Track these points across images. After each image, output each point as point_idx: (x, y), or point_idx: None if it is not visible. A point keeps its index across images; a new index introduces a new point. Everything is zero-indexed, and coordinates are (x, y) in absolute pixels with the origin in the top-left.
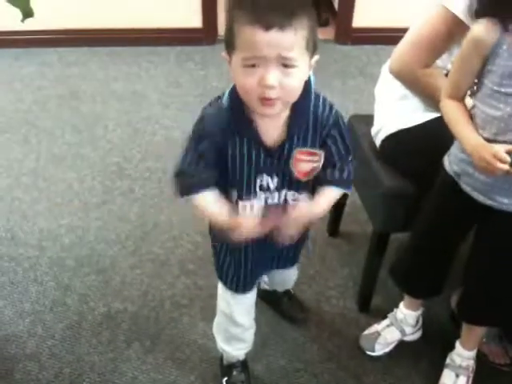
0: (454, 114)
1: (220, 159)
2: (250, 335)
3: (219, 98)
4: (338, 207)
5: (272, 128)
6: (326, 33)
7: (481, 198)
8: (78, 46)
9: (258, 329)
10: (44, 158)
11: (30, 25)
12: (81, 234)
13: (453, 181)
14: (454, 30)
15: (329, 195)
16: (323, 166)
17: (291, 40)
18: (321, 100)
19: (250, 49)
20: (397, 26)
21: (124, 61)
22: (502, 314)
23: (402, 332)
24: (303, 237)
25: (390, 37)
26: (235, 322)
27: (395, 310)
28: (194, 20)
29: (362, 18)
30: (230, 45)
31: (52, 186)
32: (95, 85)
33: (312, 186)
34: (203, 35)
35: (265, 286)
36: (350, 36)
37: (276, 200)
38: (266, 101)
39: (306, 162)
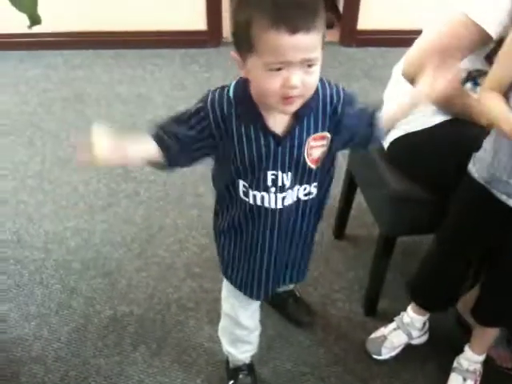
0: (492, 102)
1: (211, 153)
2: (255, 337)
3: (223, 88)
4: (344, 210)
5: (280, 116)
6: (331, 35)
7: None
8: (83, 49)
9: (264, 332)
10: (49, 161)
11: (35, 28)
12: (86, 237)
13: (482, 189)
14: (477, 42)
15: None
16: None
17: (315, 41)
18: (325, 82)
19: (275, 54)
20: (402, 28)
21: (129, 63)
22: None
23: (409, 335)
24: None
25: (394, 39)
26: (240, 324)
27: (402, 313)
28: (199, 22)
29: (366, 20)
30: (244, 46)
31: (57, 189)
32: (100, 87)
33: (323, 176)
34: (208, 38)
35: None
36: (355, 38)
37: (290, 200)
38: (288, 99)
39: (317, 148)
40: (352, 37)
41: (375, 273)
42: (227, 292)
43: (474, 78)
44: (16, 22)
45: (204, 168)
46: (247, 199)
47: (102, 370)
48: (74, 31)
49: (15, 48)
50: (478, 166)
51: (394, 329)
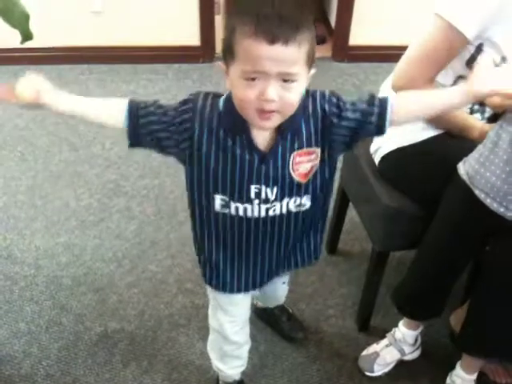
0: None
1: (181, 156)
2: (244, 352)
3: (216, 96)
4: (337, 225)
5: (265, 132)
6: (323, 50)
7: (494, 206)
8: (77, 64)
9: (256, 349)
10: (41, 176)
11: (29, 42)
12: (77, 253)
13: (467, 189)
14: (456, 45)
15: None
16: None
17: (294, 55)
18: (316, 96)
19: (251, 62)
20: (393, 43)
21: (122, 78)
22: (507, 347)
23: (401, 351)
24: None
25: (386, 54)
26: (228, 339)
27: (393, 329)
28: (193, 38)
29: (358, 36)
30: (228, 54)
31: (49, 204)
32: None
33: (315, 188)
34: (201, 53)
35: (259, 304)
36: (347, 53)
37: (278, 211)
38: (263, 113)
39: (305, 163)
40: (344, 52)
41: (368, 288)
42: (214, 307)
43: None
44: (9, 37)
45: None
46: (227, 210)
47: None
48: (67, 46)
49: (9, 63)
50: (467, 162)
51: (387, 345)
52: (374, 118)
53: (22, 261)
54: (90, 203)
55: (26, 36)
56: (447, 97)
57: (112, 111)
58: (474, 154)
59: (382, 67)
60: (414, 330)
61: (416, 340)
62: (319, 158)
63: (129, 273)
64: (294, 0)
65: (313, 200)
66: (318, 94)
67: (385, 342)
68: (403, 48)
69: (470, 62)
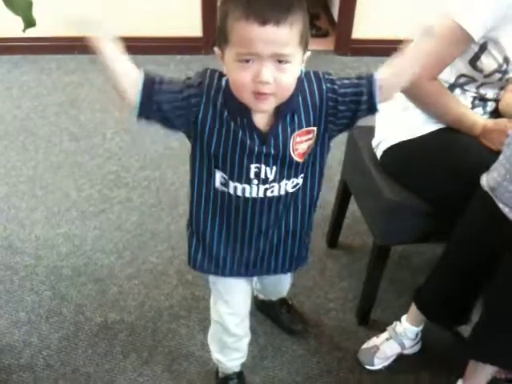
0: None
1: (185, 127)
2: (244, 345)
3: (221, 74)
4: (338, 218)
5: (263, 113)
6: (326, 43)
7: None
8: (78, 54)
9: (256, 340)
10: (42, 166)
11: (30, 32)
12: (78, 243)
13: (490, 201)
14: (462, 46)
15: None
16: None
17: (286, 36)
18: (304, 77)
19: (244, 44)
20: (396, 37)
21: None
22: None
23: (402, 345)
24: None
25: (389, 48)
26: (228, 331)
27: (394, 323)
28: (194, 29)
29: (361, 30)
30: (222, 39)
31: (49, 195)
32: (94, 93)
33: (308, 167)
34: (203, 44)
35: (259, 296)
36: (350, 47)
37: (277, 192)
38: (259, 95)
39: (303, 142)
40: (347, 45)
41: (369, 282)
42: (215, 298)
43: (462, 84)
44: (10, 27)
45: None
46: (226, 189)
47: (91, 379)
48: (68, 36)
49: (9, 52)
50: (489, 174)
51: (387, 339)
52: (365, 97)
53: (23, 251)
54: (91, 194)
55: (29, 23)
56: (416, 48)
57: (130, 75)
58: (496, 165)
59: (385, 61)
60: (417, 326)
61: (417, 335)
62: (315, 137)
63: (129, 264)
64: None
65: (304, 178)
66: (312, 74)
67: (385, 335)
68: (405, 42)
69: (474, 61)
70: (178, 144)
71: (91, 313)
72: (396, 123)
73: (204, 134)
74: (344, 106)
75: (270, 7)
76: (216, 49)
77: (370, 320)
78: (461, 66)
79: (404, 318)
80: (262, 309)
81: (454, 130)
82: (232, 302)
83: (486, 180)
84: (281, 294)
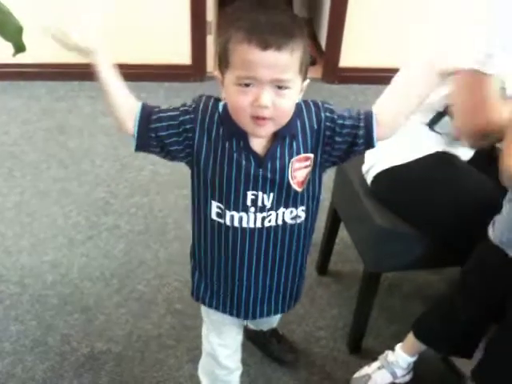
0: None
1: (182, 156)
2: (235, 377)
3: (217, 99)
4: (328, 245)
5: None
6: (314, 72)
7: None
8: (67, 80)
9: (246, 371)
10: (29, 193)
11: (19, 58)
12: (64, 271)
13: (499, 250)
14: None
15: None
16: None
17: (287, 61)
18: (302, 104)
19: (245, 67)
20: (383, 66)
21: None
22: None
23: (393, 374)
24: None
25: (376, 77)
26: (220, 363)
27: (386, 352)
28: (183, 57)
29: (348, 58)
30: (223, 63)
31: (36, 222)
32: (83, 119)
33: (308, 199)
34: (192, 72)
35: (250, 326)
36: (337, 75)
37: (274, 222)
38: (258, 120)
39: (301, 169)
40: (334, 74)
41: (360, 310)
42: (207, 329)
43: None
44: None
45: (186, 201)
46: (222, 220)
47: None
48: (57, 62)
49: None
50: (495, 228)
51: (379, 368)
52: (362, 132)
53: (8, 279)
54: (78, 221)
55: (19, 48)
56: (413, 76)
57: (130, 108)
58: (499, 218)
59: (371, 89)
60: (411, 356)
61: (409, 364)
62: (312, 165)
63: (117, 292)
64: (286, 10)
65: (307, 212)
66: (311, 102)
67: (377, 364)
68: (392, 70)
69: None
70: (167, 170)
71: (77, 343)
72: (387, 148)
73: (200, 160)
74: (341, 138)
75: (272, 32)
76: (216, 73)
77: (362, 348)
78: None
79: (399, 346)
80: (252, 339)
81: (448, 155)
82: (224, 334)
83: (492, 234)
84: (272, 325)
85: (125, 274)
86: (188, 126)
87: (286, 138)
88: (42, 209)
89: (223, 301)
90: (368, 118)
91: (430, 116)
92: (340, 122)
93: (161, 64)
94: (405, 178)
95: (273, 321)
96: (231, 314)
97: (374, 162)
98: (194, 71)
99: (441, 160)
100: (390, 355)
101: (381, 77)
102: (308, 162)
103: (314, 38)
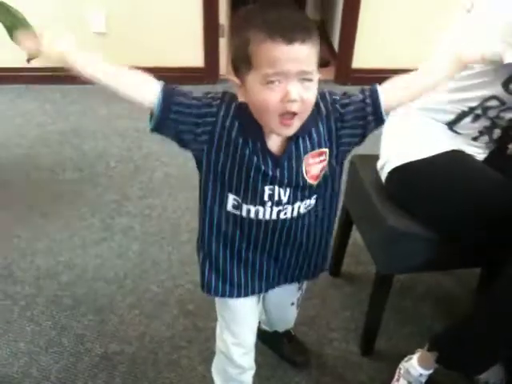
0: None
1: (197, 151)
2: (248, 377)
3: (234, 97)
4: (340, 246)
5: (276, 137)
6: (326, 73)
7: None
8: (82, 84)
9: (258, 372)
10: (44, 195)
11: (34, 62)
12: (79, 272)
13: None
14: None
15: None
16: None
17: (310, 54)
18: (318, 97)
19: (272, 64)
20: (396, 67)
21: None
22: None
23: None
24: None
25: (389, 78)
26: (233, 362)
27: (402, 366)
28: (197, 59)
29: (361, 59)
30: (243, 67)
31: (51, 223)
32: (97, 122)
33: (320, 188)
34: (205, 75)
35: (264, 327)
36: (350, 76)
37: (289, 214)
38: (285, 120)
39: (316, 164)
40: (347, 75)
41: (372, 312)
42: (221, 328)
43: (487, 108)
44: (14, 57)
45: (197, 202)
46: (238, 212)
47: None
48: None
49: (13, 82)
50: None
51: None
52: (370, 110)
53: (23, 280)
54: (92, 222)
55: (32, 54)
56: (438, 71)
57: (143, 88)
58: None
59: None
60: (429, 369)
61: (429, 374)
62: (328, 158)
63: (130, 293)
64: (297, 9)
65: (317, 198)
66: (318, 96)
67: (404, 382)
68: (405, 71)
69: (507, 84)
70: (180, 172)
71: (91, 343)
72: (402, 142)
73: (219, 155)
74: (350, 122)
75: (293, 28)
76: (234, 78)
77: (374, 350)
78: (494, 88)
79: (416, 360)
80: (264, 339)
81: (463, 153)
82: (238, 333)
83: None
84: (287, 326)
85: (138, 275)
86: (209, 119)
87: (300, 136)
88: (57, 211)
89: (237, 285)
90: (373, 93)
91: (452, 116)
92: (347, 109)
93: (174, 67)
94: (420, 174)
95: (288, 321)
96: (246, 294)
97: (390, 158)
98: (207, 74)
99: (457, 158)
100: (411, 370)
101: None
102: (323, 157)
103: (326, 39)
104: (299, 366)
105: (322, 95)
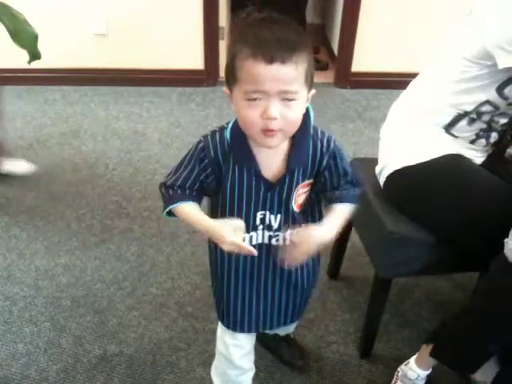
0: None
1: (214, 188)
2: (248, 378)
3: (222, 129)
4: (339, 250)
5: (272, 161)
6: (326, 76)
7: None
8: (81, 85)
9: (256, 375)
10: (43, 196)
11: (35, 63)
12: (78, 274)
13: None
14: None
15: (337, 213)
16: (323, 189)
17: (292, 74)
18: (319, 133)
19: (252, 82)
20: (395, 71)
21: (126, 101)
22: None
23: None
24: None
25: (387, 81)
26: (233, 363)
27: (403, 369)
28: (197, 62)
29: (360, 63)
30: (231, 79)
31: (50, 225)
32: (97, 124)
33: (307, 216)
34: (205, 77)
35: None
36: (349, 80)
37: (281, 241)
38: (267, 132)
39: (303, 194)
40: (346, 78)
41: (370, 315)
42: (222, 329)
43: (481, 113)
44: (15, 58)
45: None
46: None
47: None
48: (72, 68)
49: (13, 83)
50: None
51: None
52: (336, 194)
53: (22, 281)
54: (92, 224)
55: (34, 55)
56: None
57: None
58: None
59: (383, 93)
60: (427, 370)
61: (427, 375)
62: (310, 189)
63: (129, 295)
64: (291, 25)
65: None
66: (325, 137)
67: None
68: (403, 75)
69: (501, 89)
70: None
71: (90, 345)
72: (401, 146)
73: (215, 189)
74: (324, 183)
75: (276, 48)
76: (225, 89)
77: (372, 353)
78: (488, 93)
79: (413, 362)
80: (263, 342)
81: (461, 156)
82: (239, 335)
83: (510, 250)
84: (288, 330)
85: (137, 277)
86: (208, 169)
87: (296, 167)
88: (56, 212)
89: (241, 319)
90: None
91: (449, 119)
92: (333, 168)
93: (174, 69)
94: (418, 178)
95: (288, 327)
96: (249, 331)
97: (388, 163)
98: (207, 76)
99: (454, 161)
100: (409, 372)
101: (393, 81)
102: (308, 188)
103: (326, 42)
104: (298, 369)
105: (327, 140)
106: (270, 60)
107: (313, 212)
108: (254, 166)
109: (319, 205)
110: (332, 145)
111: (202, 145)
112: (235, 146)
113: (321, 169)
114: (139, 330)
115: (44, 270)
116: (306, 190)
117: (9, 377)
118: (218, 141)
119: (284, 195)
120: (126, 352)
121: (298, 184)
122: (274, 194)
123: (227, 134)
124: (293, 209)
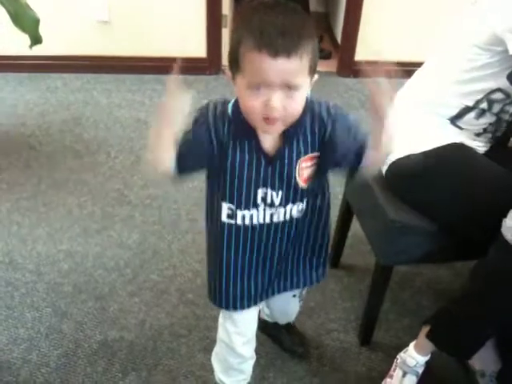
0: None
1: (210, 162)
2: (248, 366)
3: (225, 103)
4: (340, 238)
5: (270, 136)
6: (329, 65)
7: None
8: (83, 73)
9: (257, 361)
10: (45, 183)
11: (36, 50)
12: (79, 260)
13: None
14: None
15: None
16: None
17: (297, 67)
18: (315, 103)
19: (256, 74)
20: (398, 59)
21: (128, 88)
22: None
23: (417, 375)
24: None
25: (391, 70)
26: (234, 351)
27: (402, 356)
28: (199, 50)
29: (364, 52)
30: (234, 66)
31: (52, 211)
32: (99, 111)
33: (312, 192)
34: (207, 65)
35: (265, 318)
36: (352, 69)
37: (282, 217)
38: (268, 120)
39: (308, 168)
40: (349, 67)
41: (371, 303)
42: (223, 317)
43: (493, 101)
44: (17, 45)
45: (198, 193)
46: (233, 221)
47: None
48: (73, 55)
49: (15, 70)
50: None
51: (403, 375)
52: (351, 157)
53: (24, 267)
54: (93, 211)
55: (36, 40)
56: None
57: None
58: None
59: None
60: (426, 356)
61: (426, 361)
62: (317, 162)
63: (130, 282)
64: (296, 11)
65: (312, 204)
66: (323, 107)
67: (399, 373)
68: (407, 64)
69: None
70: None
71: (91, 330)
72: (403, 135)
73: (215, 166)
74: (335, 152)
75: (281, 39)
76: (227, 70)
77: (372, 341)
78: (499, 81)
79: (412, 348)
80: (264, 329)
81: (464, 146)
82: (240, 322)
83: (507, 229)
84: (289, 319)
85: (138, 264)
86: (204, 139)
87: (294, 139)
88: (58, 199)
89: (240, 297)
90: (362, 149)
91: (455, 111)
92: (339, 140)
93: (176, 57)
94: (420, 166)
95: (290, 315)
96: (249, 306)
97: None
98: (209, 64)
99: (457, 150)
100: (408, 359)
101: (396, 70)
102: (314, 161)
103: (329, 31)
104: (298, 356)
105: (327, 109)
106: (275, 54)
107: (324, 189)
108: (254, 140)
109: (325, 179)
110: (332, 111)
111: (200, 112)
112: (236, 123)
113: (326, 138)
114: (140, 316)
115: (46, 256)
116: (310, 163)
117: (10, 361)
118: (219, 113)
119: (285, 170)
120: (126, 338)
121: (299, 157)
122: (275, 168)
123: (229, 109)
124: (297, 183)
